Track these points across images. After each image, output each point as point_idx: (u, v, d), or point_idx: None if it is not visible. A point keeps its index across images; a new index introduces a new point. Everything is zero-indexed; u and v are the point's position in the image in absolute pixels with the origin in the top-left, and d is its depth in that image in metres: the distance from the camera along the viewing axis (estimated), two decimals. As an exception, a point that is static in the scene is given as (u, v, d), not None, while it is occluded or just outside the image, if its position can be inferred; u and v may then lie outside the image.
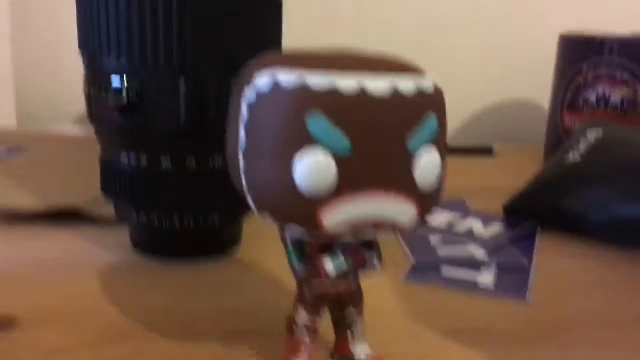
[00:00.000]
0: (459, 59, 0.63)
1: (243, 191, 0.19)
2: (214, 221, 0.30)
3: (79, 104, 0.62)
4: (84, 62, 0.29)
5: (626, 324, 0.26)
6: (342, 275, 0.20)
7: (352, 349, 0.22)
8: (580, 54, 0.51)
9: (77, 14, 0.29)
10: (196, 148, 0.28)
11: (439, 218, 0.38)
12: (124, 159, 0.29)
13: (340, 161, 0.17)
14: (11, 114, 0.56)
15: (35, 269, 0.29)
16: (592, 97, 0.50)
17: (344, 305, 0.22)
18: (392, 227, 0.19)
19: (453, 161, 0.54)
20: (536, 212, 0.37)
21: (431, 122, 0.19)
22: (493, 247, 0.34)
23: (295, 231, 0.18)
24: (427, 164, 0.18)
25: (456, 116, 0.64)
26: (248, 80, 0.18)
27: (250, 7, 0.27)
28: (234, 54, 0.27)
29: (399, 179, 0.18)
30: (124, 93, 0.27)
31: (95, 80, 0.28)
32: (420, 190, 0.19)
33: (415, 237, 0.35)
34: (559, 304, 0.28)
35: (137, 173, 0.29)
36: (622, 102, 0.49)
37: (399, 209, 0.18)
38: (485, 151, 0.56)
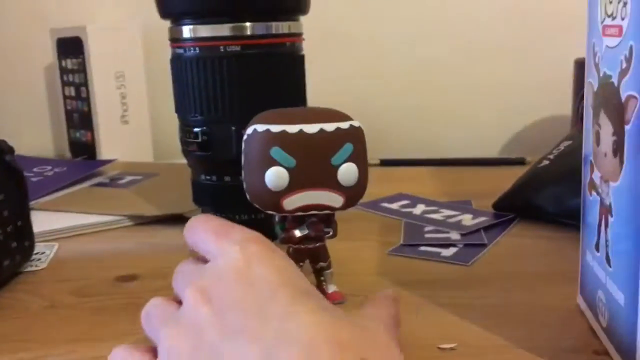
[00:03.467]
0: (489, 87, 0.74)
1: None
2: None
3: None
4: (179, 119, 0.45)
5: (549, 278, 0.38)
6: (305, 238, 0.34)
7: (325, 289, 0.36)
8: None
9: (173, 89, 0.45)
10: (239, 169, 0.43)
11: (442, 213, 0.50)
12: (203, 178, 0.45)
13: (290, 172, 0.32)
14: (149, 152, 0.75)
15: (152, 249, 0.46)
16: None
17: (317, 259, 0.35)
18: (328, 208, 0.33)
19: (491, 170, 0.66)
20: (514, 207, 0.49)
21: (348, 147, 0.32)
22: (468, 232, 0.45)
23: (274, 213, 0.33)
24: (345, 172, 0.32)
25: (496, 133, 0.75)
26: (246, 129, 0.33)
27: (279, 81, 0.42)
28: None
29: (327, 180, 0.32)
30: (200, 137, 0.43)
31: (186, 130, 0.44)
32: (343, 187, 0.32)
33: (415, 226, 0.47)
34: (495, 266, 0.40)
35: (211, 186, 0.44)
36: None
37: (330, 198, 0.32)
38: (518, 162, 0.67)
